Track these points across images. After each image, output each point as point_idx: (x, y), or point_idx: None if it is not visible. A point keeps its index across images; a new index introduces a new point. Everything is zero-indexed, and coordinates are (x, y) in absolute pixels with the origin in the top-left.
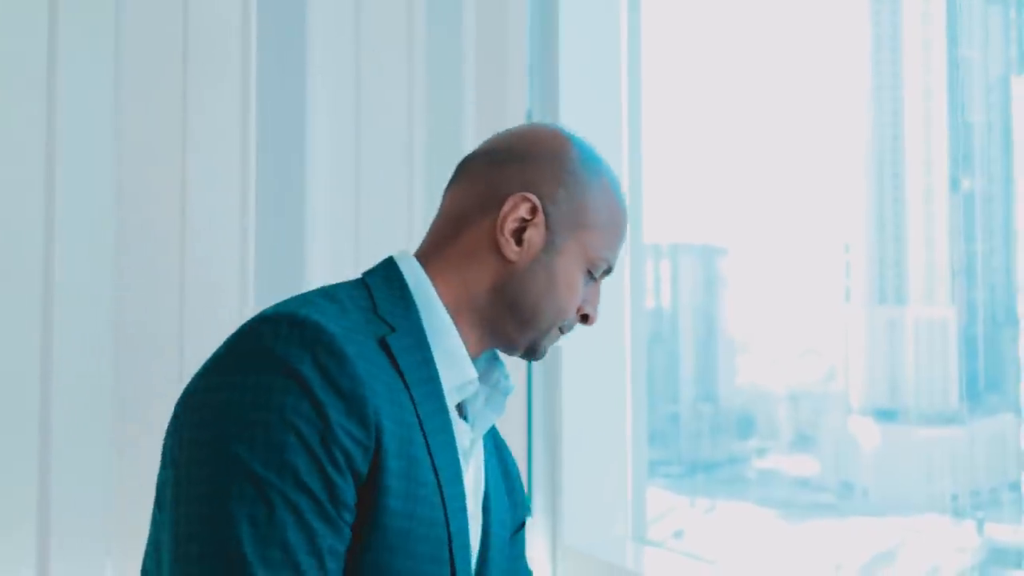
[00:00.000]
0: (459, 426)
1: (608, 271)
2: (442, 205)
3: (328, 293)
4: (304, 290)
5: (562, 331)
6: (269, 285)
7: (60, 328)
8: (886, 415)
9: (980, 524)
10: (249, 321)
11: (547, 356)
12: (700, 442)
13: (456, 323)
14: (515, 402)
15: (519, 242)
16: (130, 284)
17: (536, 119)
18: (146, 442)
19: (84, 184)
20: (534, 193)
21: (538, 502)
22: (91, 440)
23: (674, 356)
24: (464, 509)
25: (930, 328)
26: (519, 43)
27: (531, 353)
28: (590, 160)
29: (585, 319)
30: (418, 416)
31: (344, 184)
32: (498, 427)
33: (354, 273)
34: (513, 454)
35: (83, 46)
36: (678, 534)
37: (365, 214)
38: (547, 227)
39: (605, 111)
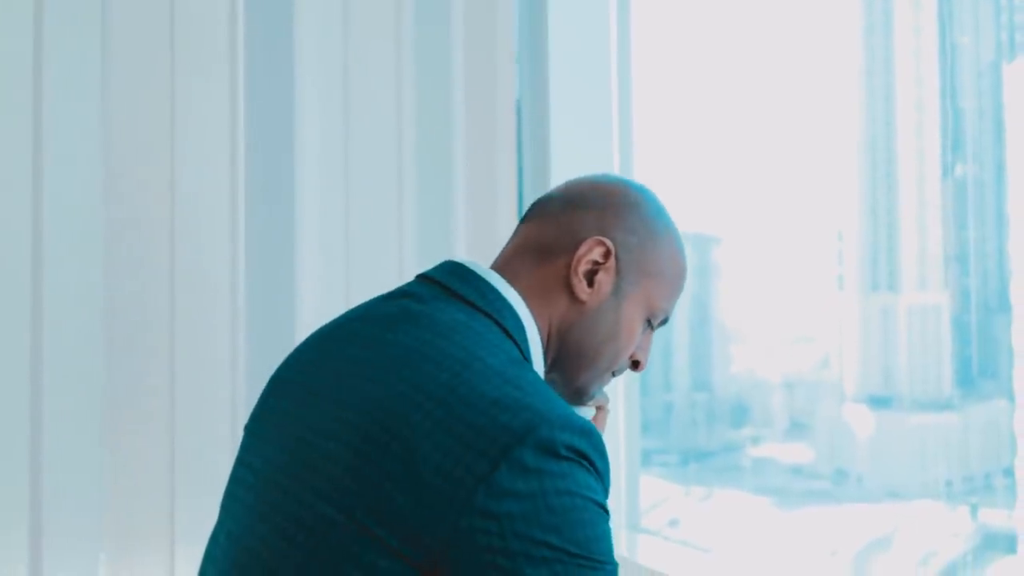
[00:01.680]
0: None
1: (664, 321)
2: (516, 236)
3: (512, 360)
4: (294, 286)
5: (614, 374)
6: (259, 281)
7: (50, 327)
8: (880, 402)
9: (974, 510)
10: (534, 421)
11: None
12: (695, 431)
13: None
14: None
15: (590, 283)
16: (120, 281)
17: (526, 111)
18: (138, 440)
19: (72, 180)
20: (608, 238)
21: None
22: (83, 439)
23: (668, 345)
24: None
25: (923, 315)
26: (507, 34)
27: (579, 395)
28: (659, 212)
29: (636, 365)
30: None
31: (333, 178)
32: None
33: (344, 269)
34: None
35: (69, 41)
36: (673, 523)
37: (355, 207)
38: (617, 271)
39: (595, 101)
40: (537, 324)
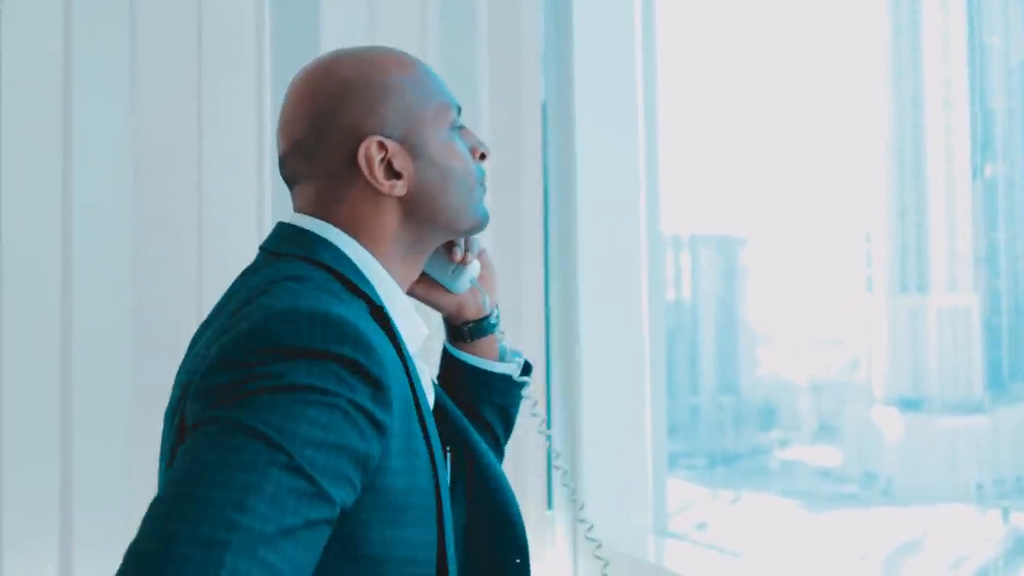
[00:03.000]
0: (424, 378)
1: (459, 110)
2: (297, 204)
3: (309, 280)
4: None
5: (482, 184)
6: None
7: (79, 327)
8: (909, 404)
9: (1005, 513)
10: (260, 318)
11: (566, 350)
12: (722, 434)
13: (393, 277)
14: (534, 394)
15: (397, 176)
16: (148, 282)
17: (551, 111)
18: None
19: (100, 181)
20: (365, 135)
21: (558, 494)
22: (112, 439)
23: (695, 348)
24: (444, 466)
25: (953, 316)
26: (533, 35)
27: (478, 224)
28: (367, 64)
29: (483, 157)
30: (412, 386)
31: None
32: (519, 418)
33: None
34: (533, 447)
35: (98, 40)
36: (701, 526)
37: None
38: (402, 143)
39: (621, 102)
40: (370, 248)
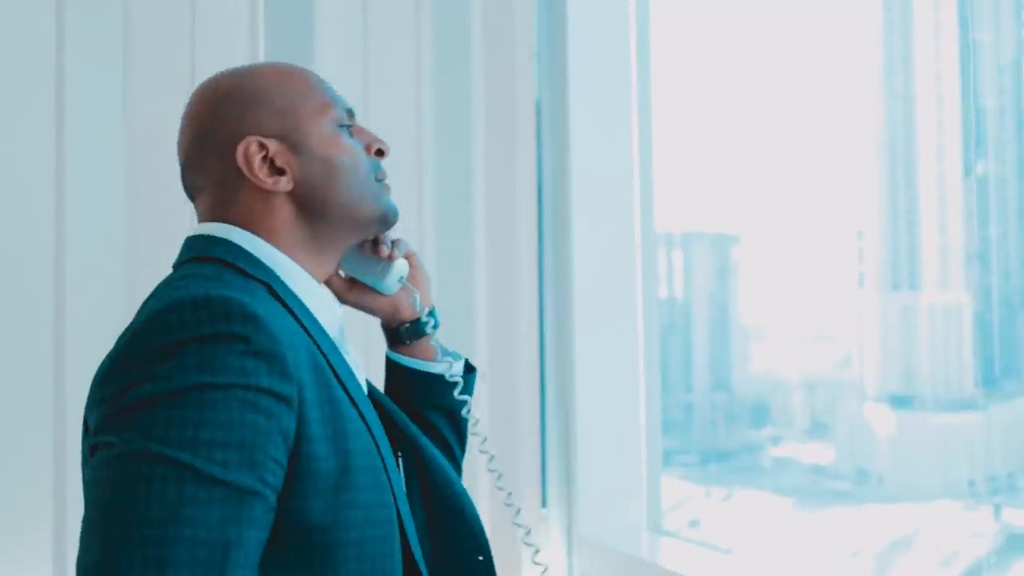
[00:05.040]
0: (352, 362)
1: (350, 112)
2: (200, 220)
3: (196, 276)
4: None
5: (379, 179)
6: None
7: (72, 324)
8: (901, 401)
9: (997, 510)
10: (143, 319)
11: (560, 347)
12: (715, 431)
13: (301, 267)
14: (528, 392)
15: (280, 172)
16: (141, 279)
17: (545, 108)
18: None
19: (94, 179)
20: (242, 137)
21: (552, 492)
22: None
23: (688, 345)
24: (383, 434)
25: (945, 314)
26: (527, 32)
27: (383, 221)
28: (241, 76)
29: (380, 153)
30: (324, 356)
31: None
32: (513, 417)
33: None
34: (527, 446)
35: (91, 38)
36: (694, 523)
37: None
38: (281, 141)
39: (615, 99)
40: (270, 240)
